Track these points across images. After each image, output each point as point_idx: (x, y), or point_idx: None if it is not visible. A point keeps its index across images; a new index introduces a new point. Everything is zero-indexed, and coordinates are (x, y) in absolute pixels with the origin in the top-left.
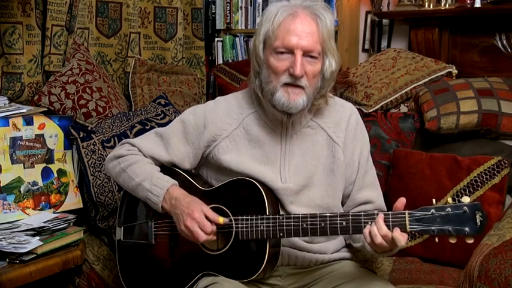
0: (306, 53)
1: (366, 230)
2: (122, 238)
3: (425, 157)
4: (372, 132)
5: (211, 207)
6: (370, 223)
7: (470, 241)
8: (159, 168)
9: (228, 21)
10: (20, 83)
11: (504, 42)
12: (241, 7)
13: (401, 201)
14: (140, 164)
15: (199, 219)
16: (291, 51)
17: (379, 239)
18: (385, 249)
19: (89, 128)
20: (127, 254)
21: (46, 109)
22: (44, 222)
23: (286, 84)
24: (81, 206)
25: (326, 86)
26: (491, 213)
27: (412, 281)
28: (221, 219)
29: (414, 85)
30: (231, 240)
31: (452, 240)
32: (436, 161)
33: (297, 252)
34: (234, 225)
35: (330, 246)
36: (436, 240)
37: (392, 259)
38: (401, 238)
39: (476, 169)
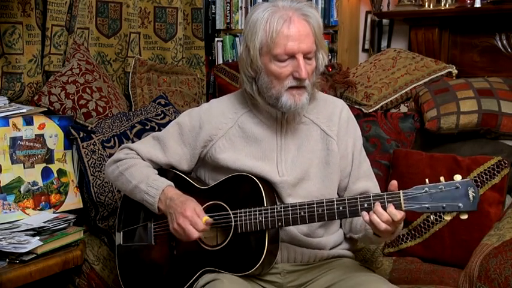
0: (305, 55)
1: (367, 218)
2: (121, 242)
3: (425, 157)
4: (371, 132)
5: (210, 204)
6: (366, 206)
7: (464, 217)
8: (156, 171)
9: (228, 21)
10: (20, 83)
11: (504, 42)
12: (241, 7)
13: (394, 184)
14: (137, 167)
15: (191, 217)
16: (292, 56)
17: (383, 226)
18: (389, 232)
19: (89, 128)
20: (127, 257)
21: (46, 109)
22: (44, 222)
23: (291, 88)
24: (81, 206)
25: (318, 77)
26: (491, 213)
27: (412, 281)
28: (204, 219)
29: (414, 85)
30: (230, 234)
31: (447, 217)
32: (436, 161)
33: (295, 248)
34: (232, 219)
35: (329, 241)
36: (432, 217)
37: (392, 259)
38: (397, 213)
39: (476, 169)
